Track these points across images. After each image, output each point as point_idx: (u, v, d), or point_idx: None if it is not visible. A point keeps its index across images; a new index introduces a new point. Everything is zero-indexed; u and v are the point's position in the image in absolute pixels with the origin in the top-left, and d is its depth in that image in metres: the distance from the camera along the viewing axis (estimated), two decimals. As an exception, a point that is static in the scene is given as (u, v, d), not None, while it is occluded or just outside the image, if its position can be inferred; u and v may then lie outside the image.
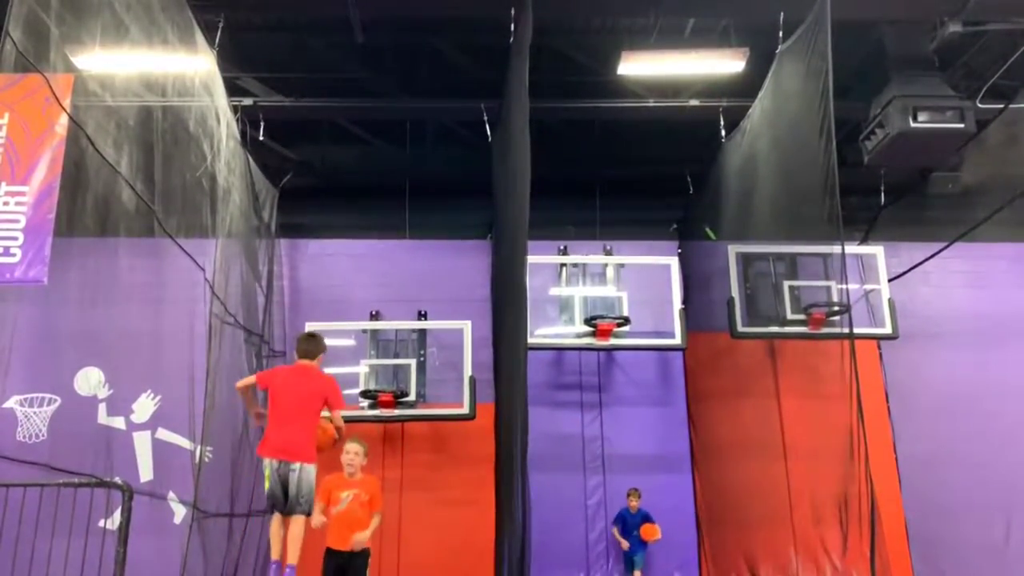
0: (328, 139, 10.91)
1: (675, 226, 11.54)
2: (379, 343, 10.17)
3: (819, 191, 6.68)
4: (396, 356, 10.07)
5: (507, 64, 8.20)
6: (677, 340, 9.18)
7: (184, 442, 9.46)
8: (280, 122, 9.97)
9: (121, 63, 6.99)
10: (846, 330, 6.98)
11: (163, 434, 9.80)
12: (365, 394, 9.42)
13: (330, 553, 6.17)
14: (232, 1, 8.12)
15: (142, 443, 9.79)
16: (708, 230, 10.25)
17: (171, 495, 9.48)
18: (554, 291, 9.79)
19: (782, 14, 7.92)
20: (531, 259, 7.10)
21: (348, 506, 6.22)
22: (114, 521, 5.96)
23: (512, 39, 7.92)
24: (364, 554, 6.26)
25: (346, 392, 9.69)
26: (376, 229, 11.13)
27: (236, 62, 9.02)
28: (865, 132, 8.94)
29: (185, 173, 7.65)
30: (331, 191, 11.15)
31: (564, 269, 9.89)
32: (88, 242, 7.97)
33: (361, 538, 6.13)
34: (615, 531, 9.81)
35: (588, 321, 9.23)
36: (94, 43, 6.34)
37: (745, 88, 9.05)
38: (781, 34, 8.01)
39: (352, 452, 6.31)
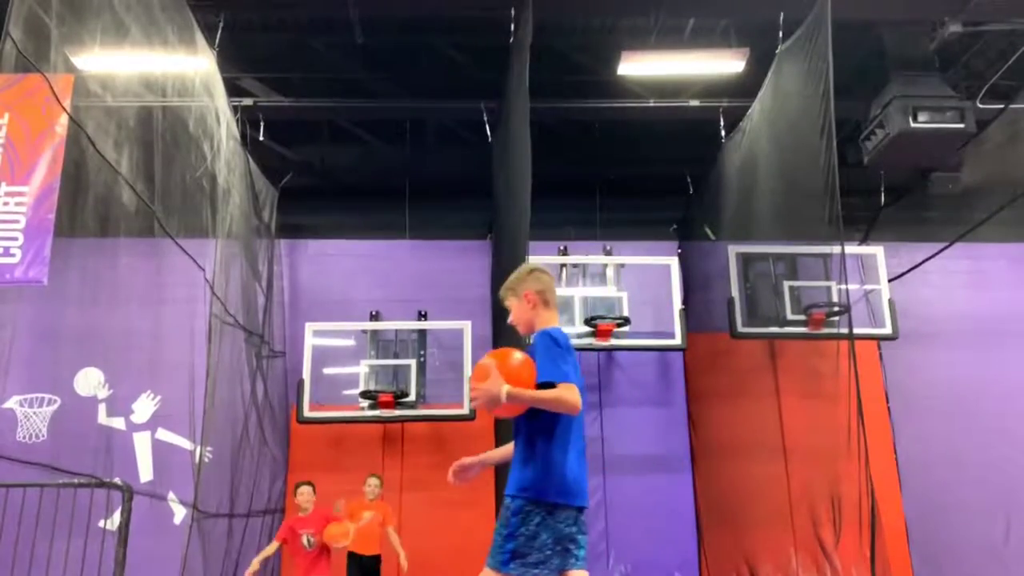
0: (328, 139, 10.90)
1: (675, 226, 11.52)
2: (379, 343, 10.16)
3: (819, 191, 6.68)
4: (396, 356, 10.06)
5: (507, 64, 8.21)
6: (677, 340, 9.16)
7: (184, 442, 9.44)
8: (280, 122, 9.97)
9: (121, 63, 6.98)
10: (846, 330, 6.98)
11: (163, 434, 9.79)
12: (365, 394, 9.41)
13: (352, 557, 8.03)
14: (232, 1, 8.13)
15: (142, 443, 9.77)
16: (708, 230, 10.24)
17: (171, 495, 9.47)
18: (554, 291, 9.76)
19: (782, 14, 7.93)
20: (531, 259, 7.09)
21: (368, 523, 8.10)
22: (114, 521, 5.96)
23: (512, 39, 7.92)
24: (377, 558, 8.18)
25: (346, 392, 9.74)
26: (376, 229, 11.10)
27: (236, 62, 9.01)
28: (865, 132, 8.94)
29: (185, 173, 7.64)
30: (331, 191, 11.13)
31: (564, 269, 9.87)
32: (88, 242, 7.97)
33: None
34: None
35: (588, 321, 9.22)
36: (94, 43, 6.34)
37: (745, 88, 9.04)
38: (781, 34, 8.01)
39: (373, 484, 8.36)
